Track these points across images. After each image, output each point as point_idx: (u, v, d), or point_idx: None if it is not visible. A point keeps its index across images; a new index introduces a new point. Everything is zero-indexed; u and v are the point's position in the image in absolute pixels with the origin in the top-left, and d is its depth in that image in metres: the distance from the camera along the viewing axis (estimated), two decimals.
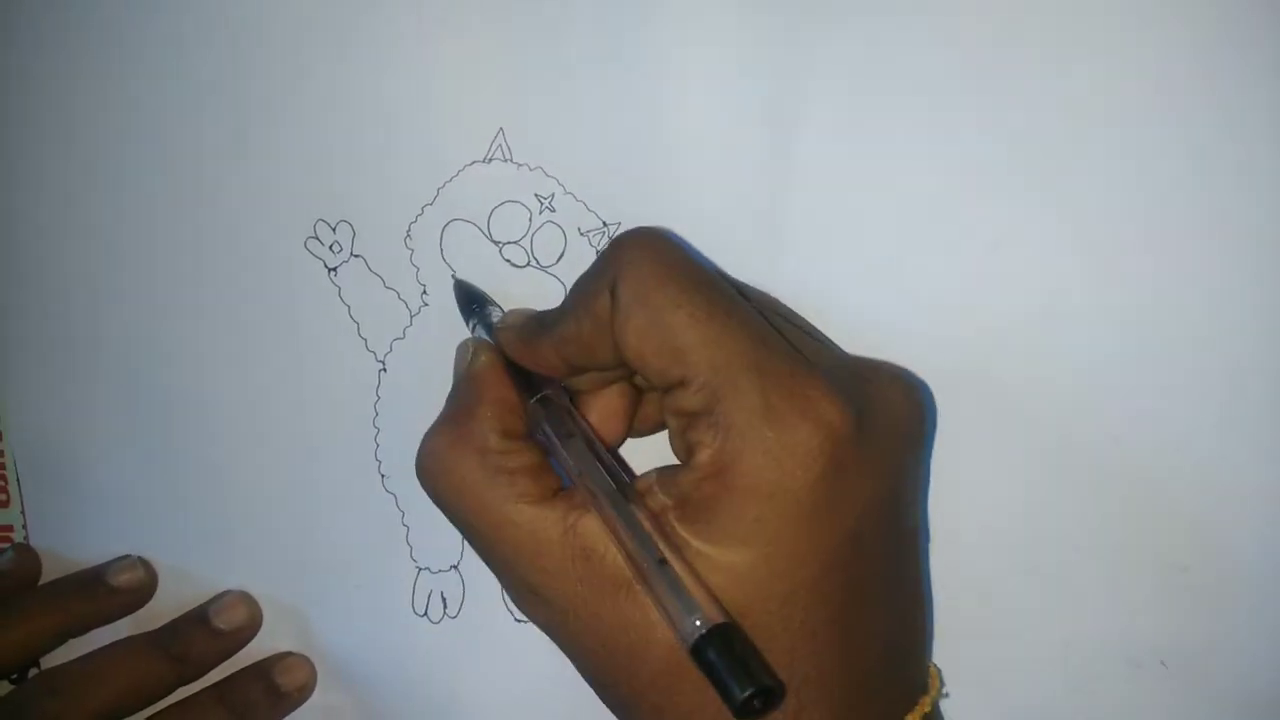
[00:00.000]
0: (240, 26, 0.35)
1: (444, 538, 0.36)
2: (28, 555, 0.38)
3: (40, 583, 0.38)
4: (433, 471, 0.29)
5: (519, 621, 0.36)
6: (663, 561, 0.25)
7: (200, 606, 0.37)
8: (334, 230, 0.35)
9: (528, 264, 0.35)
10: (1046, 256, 0.31)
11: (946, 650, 0.32)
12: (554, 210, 0.34)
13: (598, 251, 0.34)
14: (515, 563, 0.27)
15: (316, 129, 0.35)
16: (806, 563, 0.25)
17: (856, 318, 0.32)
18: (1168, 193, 0.30)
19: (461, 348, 0.32)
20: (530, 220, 0.35)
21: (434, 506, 0.35)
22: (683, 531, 0.26)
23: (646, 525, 0.26)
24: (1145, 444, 0.31)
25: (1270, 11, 0.29)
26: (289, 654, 0.37)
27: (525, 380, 0.30)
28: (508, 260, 0.35)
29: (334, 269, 0.36)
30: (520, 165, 0.34)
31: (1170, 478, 0.31)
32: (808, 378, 0.26)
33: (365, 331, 0.36)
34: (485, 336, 0.32)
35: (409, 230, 0.35)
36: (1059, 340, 0.32)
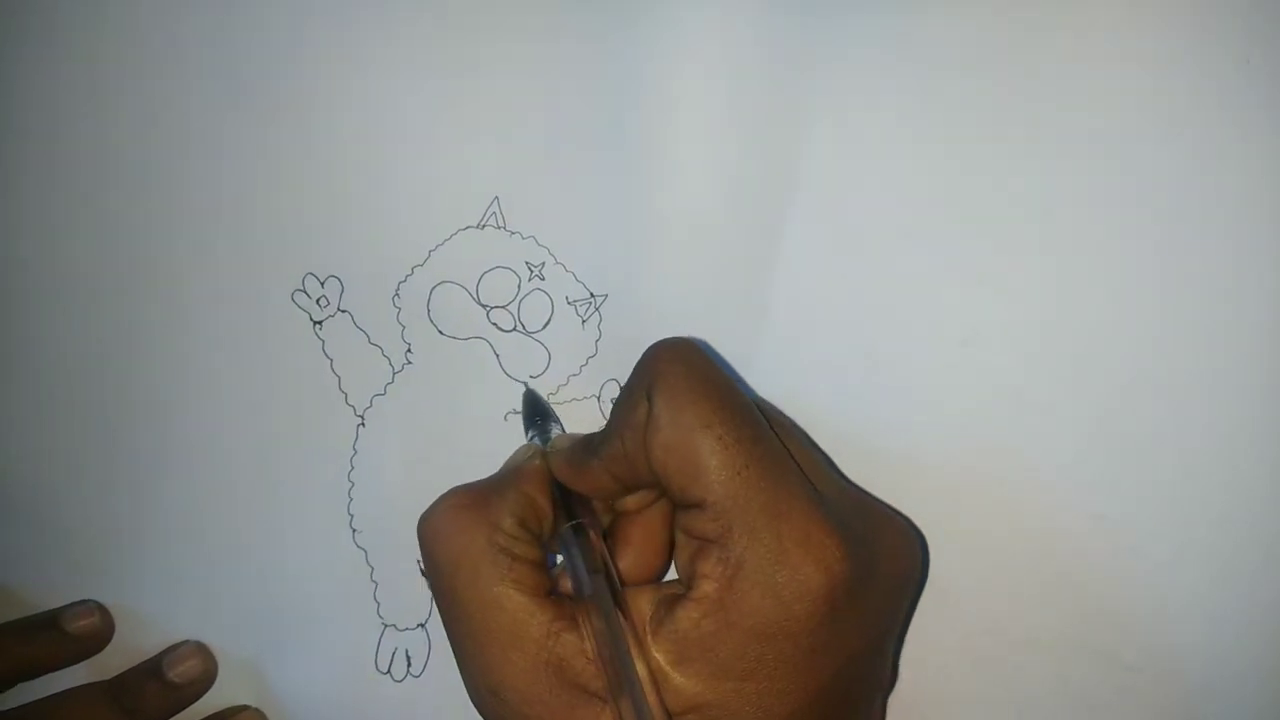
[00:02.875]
0: (242, 79, 0.36)
1: (412, 595, 0.36)
2: None
3: None
4: (437, 528, 0.29)
5: None
6: (641, 688, 0.25)
7: (154, 657, 0.36)
8: (322, 284, 0.36)
9: (514, 328, 0.35)
10: (1017, 350, 0.33)
11: None
12: (543, 279, 0.35)
13: (583, 320, 0.35)
14: (486, 648, 0.27)
15: (313, 184, 0.35)
16: (794, 699, 0.26)
17: (830, 403, 0.33)
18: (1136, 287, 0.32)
19: (525, 447, 0.32)
20: (519, 286, 0.35)
21: (404, 565, 0.35)
22: (676, 671, 0.26)
23: (637, 654, 0.26)
24: (1097, 544, 0.33)
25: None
26: (244, 708, 0.37)
27: (565, 507, 0.30)
28: (494, 323, 0.35)
29: (319, 322, 0.36)
30: (513, 233, 0.35)
31: (1121, 578, 0.33)
32: (820, 521, 0.26)
33: (346, 385, 0.36)
34: (534, 441, 0.32)
35: (398, 289, 0.35)
36: (1025, 437, 0.33)
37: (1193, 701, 0.32)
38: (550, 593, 0.28)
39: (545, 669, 0.27)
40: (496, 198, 0.35)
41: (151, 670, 0.36)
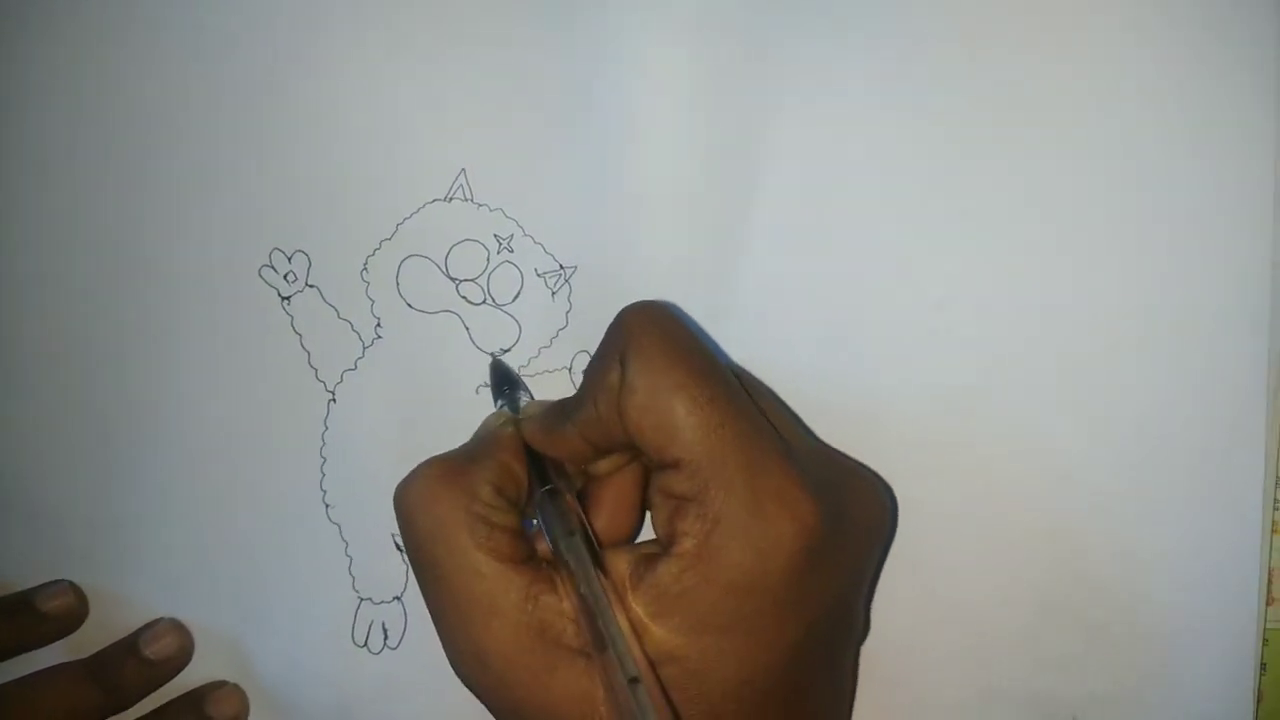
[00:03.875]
0: (206, 52, 0.35)
1: (388, 568, 0.36)
2: None
3: None
4: (415, 499, 0.29)
5: None
6: (623, 641, 0.25)
7: (130, 635, 0.36)
8: (289, 260, 0.35)
9: (483, 301, 0.35)
10: (988, 313, 0.33)
11: (866, 695, 0.33)
12: (512, 251, 0.35)
13: (553, 292, 0.35)
14: (467, 616, 0.27)
15: (277, 158, 0.35)
16: (771, 650, 0.26)
17: (801, 371, 0.34)
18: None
19: (495, 415, 0.32)
20: (488, 259, 0.35)
21: (378, 539, 0.35)
22: (656, 624, 0.26)
23: (618, 615, 0.26)
24: (1068, 503, 0.33)
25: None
26: (222, 683, 0.37)
27: (538, 472, 0.30)
28: (463, 297, 0.35)
29: (287, 298, 0.36)
30: (480, 205, 0.35)
31: (1088, 535, 0.33)
32: (794, 476, 0.27)
33: (316, 361, 0.36)
34: (505, 409, 0.32)
35: (366, 263, 0.35)
36: (992, 400, 0.34)
37: (1159, 656, 0.33)
38: (528, 558, 0.28)
39: (526, 632, 0.27)
40: (463, 170, 0.35)
41: (128, 648, 0.36)
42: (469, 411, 0.35)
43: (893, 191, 0.34)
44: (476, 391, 0.35)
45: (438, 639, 0.35)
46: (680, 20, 0.34)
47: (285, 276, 0.35)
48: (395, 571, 0.36)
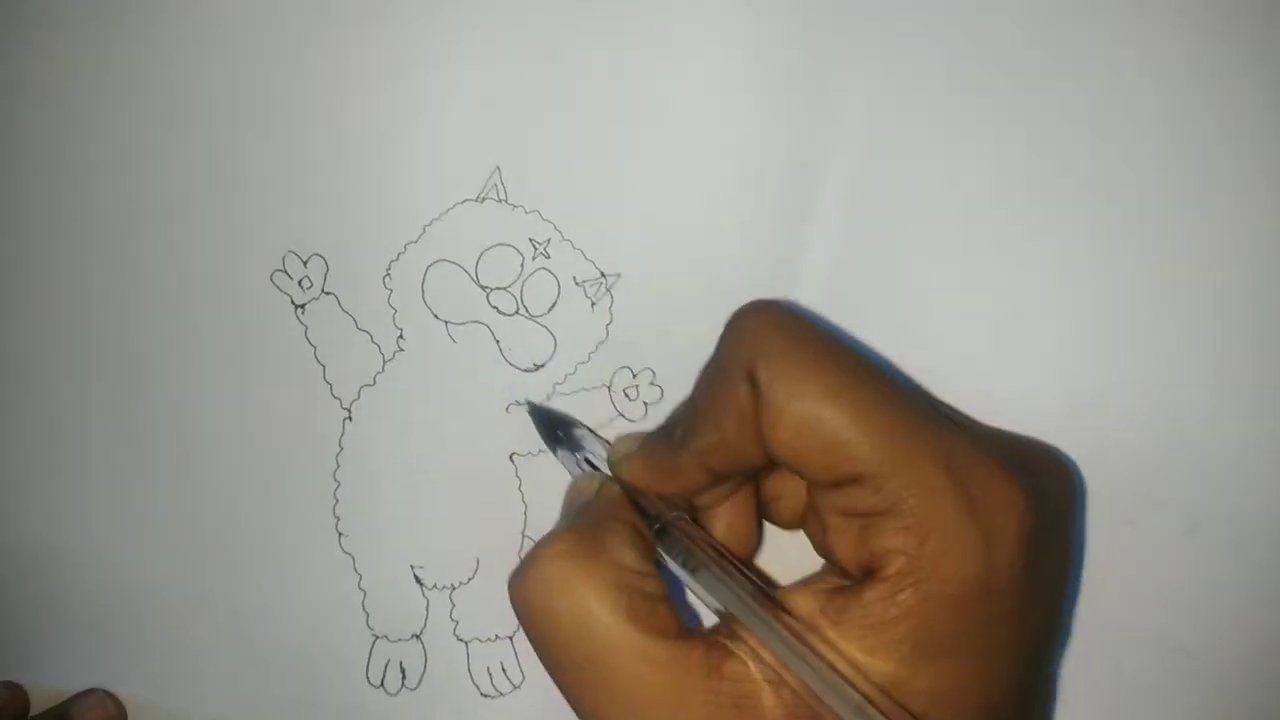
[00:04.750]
0: (219, 40, 0.32)
1: (405, 605, 0.33)
2: (16, 693, 0.34)
3: None
4: (551, 587, 0.24)
5: (485, 696, 0.33)
6: (863, 708, 0.22)
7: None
8: (305, 264, 0.33)
9: (516, 312, 0.33)
10: (1065, 326, 0.31)
11: None
12: (548, 257, 0.32)
13: (592, 302, 0.32)
14: (648, 712, 0.23)
15: (293, 152, 0.32)
16: (1013, 665, 0.23)
17: None
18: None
19: (584, 480, 0.29)
20: (522, 266, 0.32)
21: (394, 572, 0.33)
22: (875, 661, 0.23)
23: (825, 657, 0.23)
24: (1153, 523, 0.31)
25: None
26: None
27: (644, 513, 0.27)
28: (494, 306, 0.33)
29: (302, 306, 0.33)
30: (515, 207, 0.32)
31: (1177, 559, 0.31)
32: (993, 465, 0.23)
33: (331, 376, 0.33)
34: (585, 465, 0.29)
35: (389, 269, 0.32)
36: (1062, 414, 0.31)
37: (1248, 687, 0.31)
38: (692, 628, 0.25)
39: (720, 712, 0.23)
40: (498, 168, 0.32)
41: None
42: (498, 433, 0.32)
43: (961, 197, 0.31)
44: (507, 410, 0.33)
45: (459, 680, 0.33)
46: (731, 7, 0.31)
47: (300, 282, 0.33)
48: (414, 608, 0.33)
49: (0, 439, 0.34)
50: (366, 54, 0.32)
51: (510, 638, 0.33)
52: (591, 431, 0.31)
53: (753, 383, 0.24)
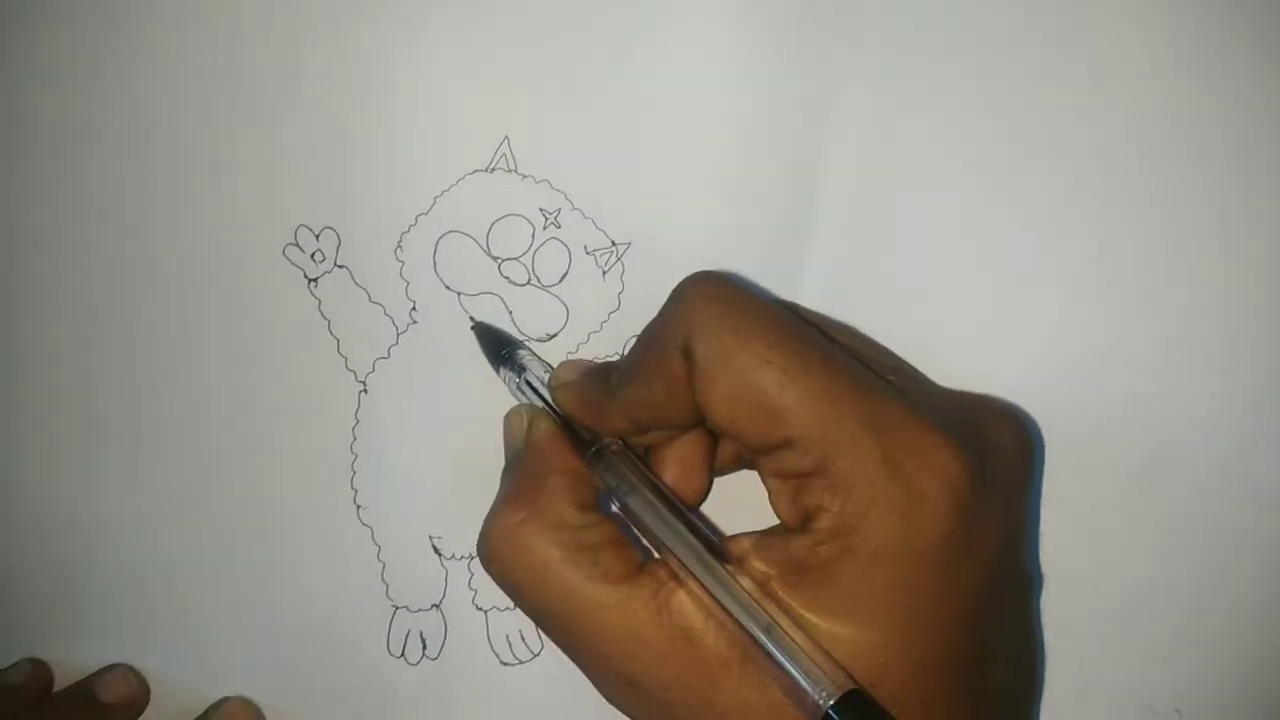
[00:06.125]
0: (227, 13, 0.32)
1: (424, 574, 0.33)
2: (40, 669, 0.34)
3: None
4: (504, 553, 0.26)
5: (505, 664, 0.33)
6: (771, 628, 0.23)
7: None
8: (317, 238, 0.33)
9: (528, 282, 0.33)
10: (1073, 294, 0.31)
11: None
12: (559, 226, 0.32)
13: (604, 272, 0.32)
14: (606, 651, 0.25)
15: (302, 125, 0.32)
16: (939, 623, 0.24)
17: (887, 338, 0.31)
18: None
19: (513, 416, 0.30)
20: (533, 236, 0.32)
21: (412, 543, 0.33)
22: (794, 602, 0.24)
23: (749, 592, 0.24)
24: (1164, 488, 0.31)
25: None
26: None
27: (579, 435, 0.28)
28: (506, 277, 0.33)
29: (314, 280, 0.33)
30: (525, 177, 0.32)
31: (1190, 524, 0.31)
32: (923, 425, 0.24)
33: (346, 349, 0.33)
34: (526, 388, 0.30)
35: (400, 241, 0.32)
36: (1073, 384, 0.31)
37: (1264, 651, 0.31)
38: (643, 563, 0.26)
39: (672, 646, 0.24)
40: (507, 138, 0.32)
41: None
42: (511, 403, 0.32)
43: (969, 160, 0.31)
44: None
45: (479, 649, 0.33)
46: None
47: (312, 256, 0.33)
48: (433, 577, 0.33)
49: (18, 419, 0.34)
50: (376, 26, 0.32)
51: None
52: (535, 355, 0.32)
53: (687, 352, 0.25)
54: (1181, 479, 0.31)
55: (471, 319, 0.33)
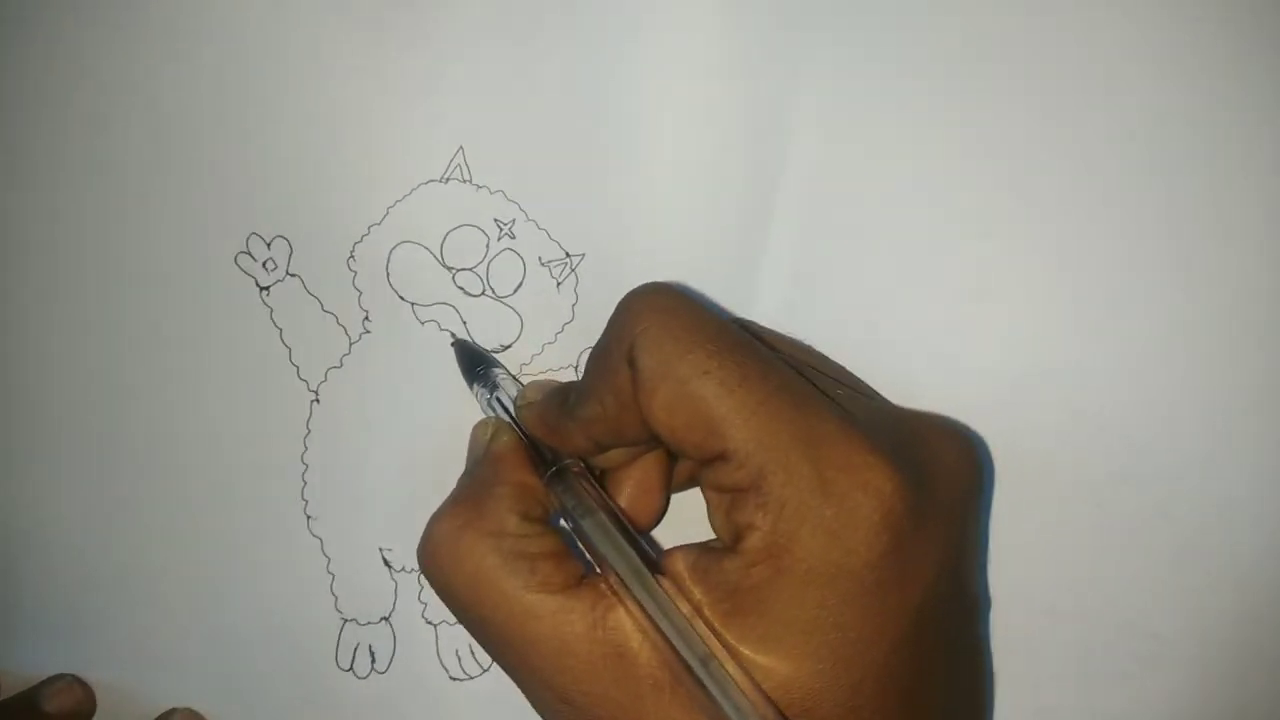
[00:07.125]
0: (181, 23, 0.32)
1: (374, 587, 0.33)
2: None
3: None
4: (442, 557, 0.26)
5: (454, 679, 0.33)
6: (707, 660, 0.23)
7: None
8: (269, 246, 0.32)
9: (482, 293, 0.32)
10: (1030, 303, 0.31)
11: None
12: (514, 237, 0.32)
13: (558, 283, 0.32)
14: (537, 663, 0.25)
15: (254, 133, 0.32)
16: (873, 646, 0.23)
17: (844, 353, 0.31)
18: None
19: (479, 426, 0.30)
20: (487, 247, 0.32)
21: (363, 555, 0.33)
22: (728, 633, 0.24)
23: (686, 617, 0.23)
24: (1120, 506, 0.31)
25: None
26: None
27: (541, 454, 0.28)
28: (460, 288, 0.32)
29: (266, 288, 0.33)
30: (479, 187, 0.32)
31: (1147, 543, 0.31)
32: (859, 443, 0.24)
33: (298, 358, 0.33)
34: (496, 404, 0.30)
35: (353, 250, 0.32)
36: (1031, 392, 0.31)
37: (1222, 676, 0.31)
38: (583, 576, 0.26)
39: (604, 662, 0.24)
40: (461, 148, 0.32)
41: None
42: (464, 414, 0.32)
43: (925, 174, 0.31)
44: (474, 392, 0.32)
45: (429, 664, 0.33)
46: None
47: (264, 264, 0.33)
48: (383, 590, 0.33)
49: None
50: (330, 35, 0.32)
51: None
52: (510, 374, 0.31)
53: (632, 362, 0.25)
54: (1138, 498, 0.31)
55: (452, 336, 0.33)
